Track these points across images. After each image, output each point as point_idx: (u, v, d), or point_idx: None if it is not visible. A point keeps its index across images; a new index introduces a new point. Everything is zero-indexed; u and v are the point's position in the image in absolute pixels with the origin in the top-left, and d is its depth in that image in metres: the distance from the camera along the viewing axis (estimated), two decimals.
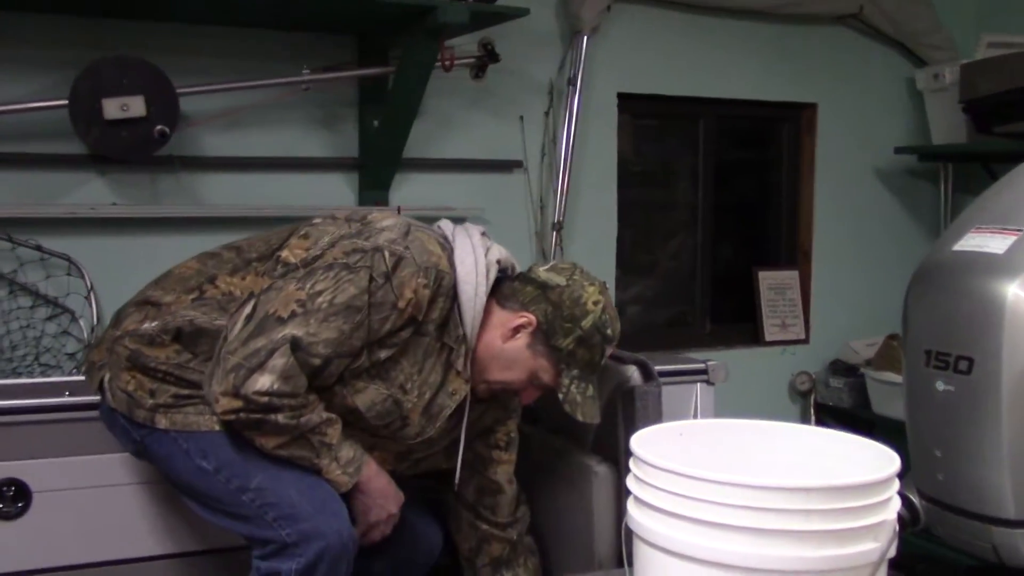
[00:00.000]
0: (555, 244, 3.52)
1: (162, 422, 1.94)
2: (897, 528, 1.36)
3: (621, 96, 3.70)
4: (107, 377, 2.01)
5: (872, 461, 1.39)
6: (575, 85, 3.48)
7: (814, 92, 4.09)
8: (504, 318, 2.01)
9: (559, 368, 2.00)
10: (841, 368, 4.07)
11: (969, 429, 1.73)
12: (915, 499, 1.84)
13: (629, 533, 1.46)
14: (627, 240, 3.84)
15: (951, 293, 1.82)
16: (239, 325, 1.86)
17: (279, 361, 1.80)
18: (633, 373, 2.19)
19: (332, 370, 1.88)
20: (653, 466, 1.36)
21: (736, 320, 4.17)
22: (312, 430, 1.87)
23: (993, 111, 3.62)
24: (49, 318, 2.88)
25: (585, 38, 3.48)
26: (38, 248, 2.84)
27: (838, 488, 1.29)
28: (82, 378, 2.63)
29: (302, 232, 2.03)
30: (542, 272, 2.04)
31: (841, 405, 4.02)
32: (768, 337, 4.10)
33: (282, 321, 1.82)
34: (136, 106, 2.76)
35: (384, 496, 2.00)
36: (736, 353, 3.97)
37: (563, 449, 2.32)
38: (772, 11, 3.85)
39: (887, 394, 3.71)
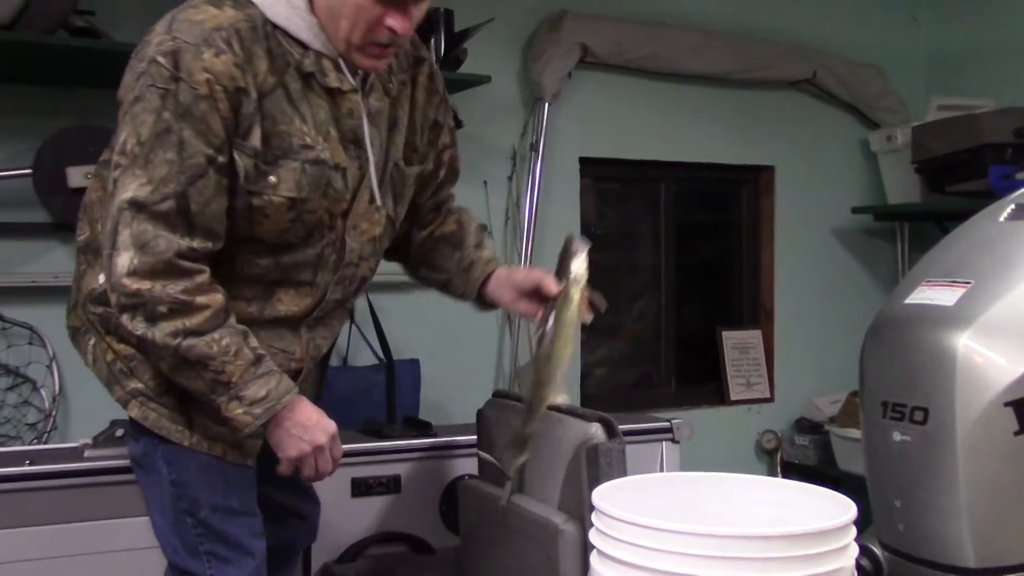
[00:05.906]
0: None
1: (135, 411, 1.75)
2: None
3: (583, 160, 3.77)
4: (92, 342, 1.80)
5: (829, 509, 1.41)
6: (537, 150, 3.54)
7: (771, 155, 4.18)
8: None
9: None
10: (806, 426, 4.10)
11: (926, 478, 1.76)
12: (877, 550, 1.86)
13: None
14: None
15: (904, 345, 1.86)
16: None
17: (125, 233, 1.59)
18: (596, 430, 2.19)
19: (204, 203, 1.62)
20: (614, 518, 1.37)
21: (701, 380, 4.20)
22: (199, 361, 1.62)
23: (945, 171, 3.72)
24: (10, 388, 2.85)
25: (547, 104, 3.55)
26: (0, 318, 2.83)
27: (795, 536, 1.30)
28: (43, 447, 2.61)
29: None
30: None
31: (807, 463, 4.04)
32: (733, 396, 4.13)
33: (113, 195, 1.61)
34: None
35: (302, 426, 1.71)
36: (702, 413, 3.99)
37: (528, 508, 2.31)
38: (728, 77, 3.94)
39: (851, 451, 3.72)
